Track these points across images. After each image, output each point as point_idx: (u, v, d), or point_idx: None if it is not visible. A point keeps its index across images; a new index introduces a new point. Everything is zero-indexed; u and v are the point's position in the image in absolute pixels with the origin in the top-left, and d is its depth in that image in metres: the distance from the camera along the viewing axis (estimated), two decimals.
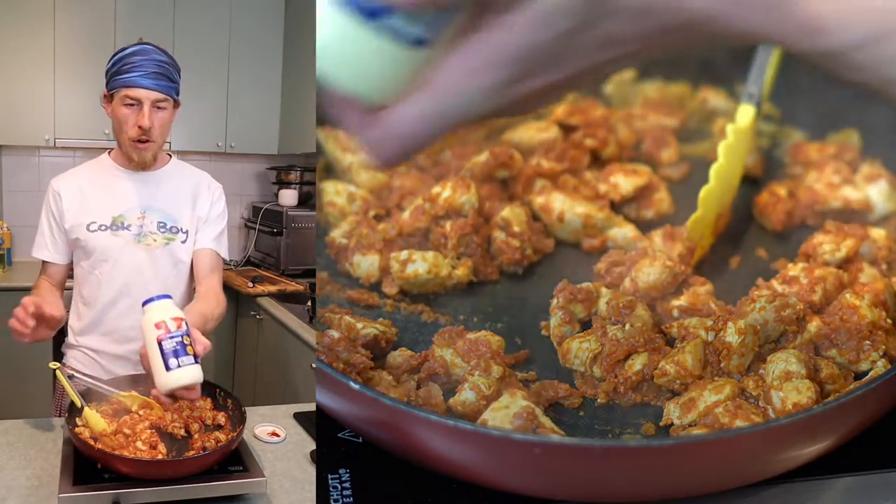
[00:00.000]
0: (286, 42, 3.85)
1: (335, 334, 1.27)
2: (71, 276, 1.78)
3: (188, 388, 1.30)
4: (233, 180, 4.14)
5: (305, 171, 3.89)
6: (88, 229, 1.68)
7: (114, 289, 1.70)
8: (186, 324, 1.31)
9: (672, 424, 1.20)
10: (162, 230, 1.70)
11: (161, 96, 1.61)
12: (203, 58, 3.69)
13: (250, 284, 3.34)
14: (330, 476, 1.22)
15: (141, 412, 1.43)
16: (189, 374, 1.30)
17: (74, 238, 1.70)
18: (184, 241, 1.71)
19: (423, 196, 1.44)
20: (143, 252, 1.69)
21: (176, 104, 1.68)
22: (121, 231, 1.68)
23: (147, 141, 1.65)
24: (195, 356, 1.31)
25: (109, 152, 1.77)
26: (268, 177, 4.07)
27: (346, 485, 1.20)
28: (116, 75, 1.61)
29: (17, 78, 3.39)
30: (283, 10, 3.87)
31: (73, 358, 1.77)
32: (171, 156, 1.79)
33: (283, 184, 3.88)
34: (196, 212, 1.74)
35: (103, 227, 1.68)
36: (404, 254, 1.39)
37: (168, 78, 1.62)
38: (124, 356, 1.73)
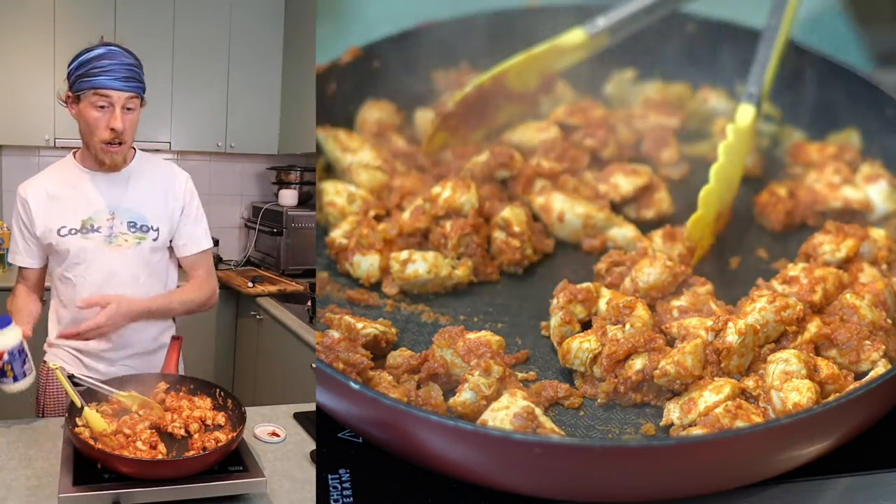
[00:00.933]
0: (286, 42, 3.84)
1: (335, 334, 1.28)
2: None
3: None
4: (233, 180, 4.13)
5: (305, 171, 3.88)
6: (59, 234, 1.66)
7: (88, 290, 1.67)
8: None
9: (672, 424, 1.20)
10: (133, 230, 1.67)
11: (132, 95, 1.60)
12: (203, 58, 3.68)
13: (250, 284, 3.34)
14: (330, 476, 1.22)
15: (141, 412, 1.43)
16: None
17: (47, 244, 1.68)
18: (155, 239, 1.70)
19: (423, 196, 1.44)
20: (114, 253, 1.67)
21: (143, 102, 1.67)
22: (91, 234, 1.66)
23: (119, 143, 1.63)
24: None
25: (74, 153, 1.75)
26: (268, 177, 4.06)
27: (346, 485, 1.20)
28: (85, 77, 1.59)
29: (17, 78, 3.38)
30: (283, 10, 3.86)
31: (54, 356, 1.75)
32: (135, 148, 1.76)
33: (283, 184, 3.87)
34: (168, 208, 1.73)
35: (73, 231, 1.66)
36: (404, 254, 1.39)
37: (136, 79, 1.62)
38: (101, 354, 1.74)
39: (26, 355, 1.52)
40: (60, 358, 1.74)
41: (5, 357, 1.48)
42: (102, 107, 1.60)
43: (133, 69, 1.61)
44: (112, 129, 1.61)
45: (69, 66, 1.63)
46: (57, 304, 1.76)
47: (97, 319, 1.58)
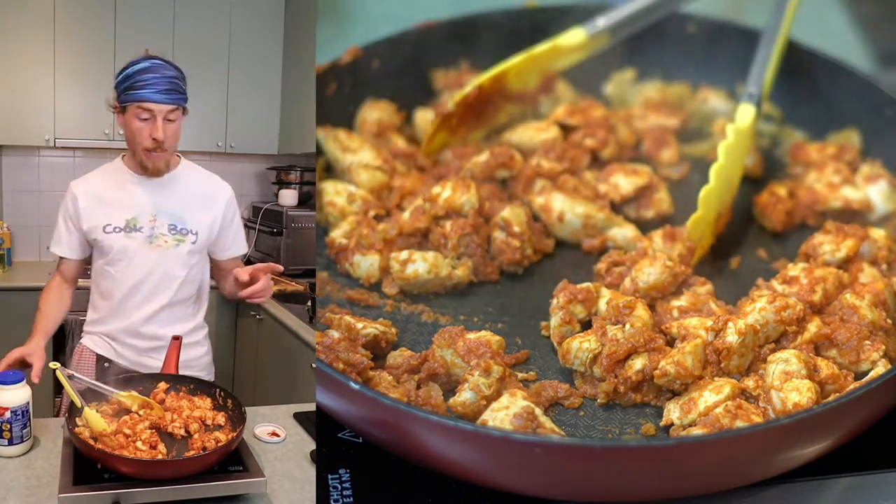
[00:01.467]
0: (286, 42, 3.83)
1: (335, 334, 1.28)
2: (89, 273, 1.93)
3: None
4: (233, 180, 4.07)
5: (305, 171, 3.88)
6: (105, 231, 1.77)
7: (128, 285, 1.79)
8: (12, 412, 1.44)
9: (672, 424, 1.20)
10: (172, 232, 1.77)
11: (172, 107, 1.70)
12: (203, 58, 3.67)
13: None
14: (330, 476, 1.22)
15: (141, 412, 1.43)
16: None
17: (93, 238, 1.79)
18: (194, 242, 1.81)
19: (423, 196, 1.44)
20: (154, 253, 1.77)
21: (184, 112, 1.78)
22: (134, 233, 1.76)
23: (161, 150, 1.73)
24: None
25: (123, 157, 1.87)
26: (268, 177, 4.06)
27: (346, 485, 1.20)
28: (129, 90, 1.68)
29: (17, 78, 3.38)
30: (283, 10, 3.85)
31: (89, 341, 1.85)
32: (180, 156, 1.87)
33: (283, 184, 3.87)
34: (208, 216, 1.84)
35: (118, 229, 1.76)
36: (404, 254, 1.39)
37: (177, 91, 1.73)
38: (134, 345, 1.83)
39: (29, 419, 1.46)
40: (95, 343, 1.84)
41: (7, 415, 1.42)
42: (145, 118, 1.70)
43: (174, 81, 1.71)
44: (154, 139, 1.71)
45: (116, 77, 1.74)
46: (96, 296, 1.86)
47: (259, 266, 1.64)
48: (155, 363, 1.77)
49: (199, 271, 1.84)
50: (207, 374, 1.89)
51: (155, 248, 1.77)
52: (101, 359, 1.82)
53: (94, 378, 1.74)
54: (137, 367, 1.78)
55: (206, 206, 1.83)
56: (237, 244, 1.92)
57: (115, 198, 1.78)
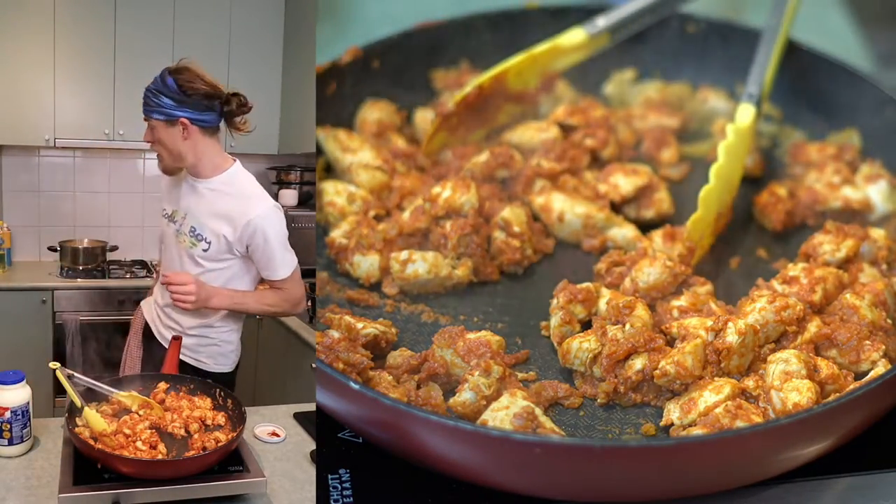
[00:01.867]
0: (286, 42, 3.84)
1: (335, 334, 1.28)
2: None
3: None
4: None
5: (305, 171, 3.88)
6: (162, 214, 1.96)
7: (163, 266, 1.96)
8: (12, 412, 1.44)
9: (672, 424, 1.20)
10: (191, 234, 1.84)
11: (146, 117, 1.80)
12: (203, 58, 3.66)
13: None
14: (330, 476, 1.22)
15: (141, 412, 1.43)
16: None
17: None
18: (205, 250, 1.84)
19: (423, 196, 1.44)
20: (176, 247, 1.88)
21: (170, 122, 1.79)
22: (171, 223, 1.91)
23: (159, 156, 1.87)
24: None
25: None
26: (268, 177, 4.06)
27: (346, 485, 1.20)
28: None
29: (17, 78, 3.37)
30: (283, 10, 3.86)
31: (146, 304, 2.02)
32: (235, 160, 1.95)
33: (283, 184, 3.88)
34: (221, 230, 1.83)
35: (166, 216, 1.94)
36: (404, 254, 1.39)
37: (146, 104, 1.79)
38: (162, 320, 1.93)
39: (29, 419, 1.46)
40: (148, 307, 2.01)
41: (7, 415, 1.42)
42: None
43: (146, 95, 1.80)
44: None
45: None
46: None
47: (185, 278, 1.79)
48: (190, 348, 1.89)
49: (216, 278, 1.85)
50: (222, 364, 1.97)
51: (178, 242, 1.87)
52: (147, 325, 1.98)
53: (141, 341, 1.96)
54: (166, 343, 1.87)
55: (223, 220, 1.82)
56: (271, 268, 1.90)
57: (171, 189, 1.94)
